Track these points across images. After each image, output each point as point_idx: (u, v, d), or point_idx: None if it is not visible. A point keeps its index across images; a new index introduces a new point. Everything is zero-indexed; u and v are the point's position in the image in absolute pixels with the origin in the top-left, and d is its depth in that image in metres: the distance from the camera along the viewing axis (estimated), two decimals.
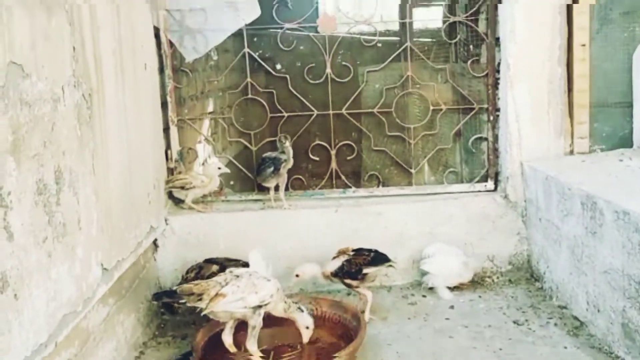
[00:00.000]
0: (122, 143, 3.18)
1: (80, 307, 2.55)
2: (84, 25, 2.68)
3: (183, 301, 2.87)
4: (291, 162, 3.96)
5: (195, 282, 2.96)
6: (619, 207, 2.86)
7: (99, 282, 2.78)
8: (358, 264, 3.49)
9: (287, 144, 3.94)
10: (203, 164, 4.36)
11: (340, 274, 3.49)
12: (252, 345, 2.98)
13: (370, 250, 3.59)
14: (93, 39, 2.78)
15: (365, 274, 3.50)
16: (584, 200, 3.19)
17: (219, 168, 3.98)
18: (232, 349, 3.04)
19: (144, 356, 3.33)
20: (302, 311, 3.09)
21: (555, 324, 3.40)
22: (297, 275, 3.57)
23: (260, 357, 2.99)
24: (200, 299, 2.86)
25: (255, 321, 2.95)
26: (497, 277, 4.04)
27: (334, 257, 3.59)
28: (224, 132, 4.35)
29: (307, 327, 3.10)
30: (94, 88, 2.77)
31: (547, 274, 3.77)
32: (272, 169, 3.89)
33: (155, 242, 3.86)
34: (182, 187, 3.96)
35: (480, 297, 3.83)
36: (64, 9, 2.50)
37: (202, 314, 2.89)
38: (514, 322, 3.47)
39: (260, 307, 2.94)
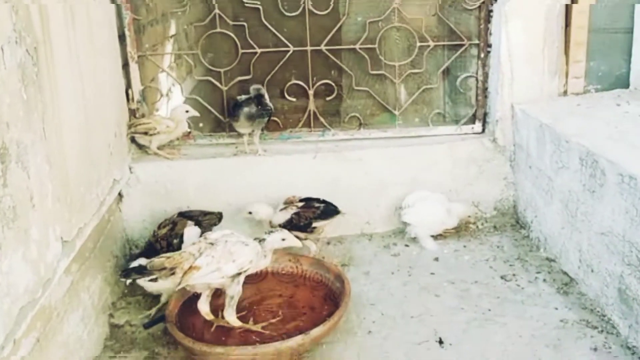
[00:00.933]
0: (77, 95, 2.80)
1: (39, 292, 2.28)
2: None
3: (154, 277, 2.64)
4: None
5: (167, 255, 2.69)
6: (625, 171, 2.66)
7: (60, 258, 2.50)
8: (307, 217, 3.37)
9: (266, 96, 3.61)
10: (167, 94, 4.00)
11: (288, 227, 3.32)
12: (230, 315, 2.81)
13: (319, 201, 3.44)
14: None
15: (315, 227, 3.36)
16: (583, 157, 2.98)
17: (187, 111, 3.62)
18: (210, 317, 2.85)
19: (112, 320, 3.12)
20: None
21: (544, 280, 3.28)
22: (249, 213, 3.44)
23: (241, 325, 2.82)
24: (173, 273, 2.65)
25: (234, 290, 2.77)
26: (482, 223, 3.90)
27: (282, 209, 3.43)
28: (188, 68, 3.94)
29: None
30: (39, 39, 2.36)
31: (534, 223, 3.62)
32: (267, 118, 3.64)
33: (119, 192, 3.55)
34: (146, 133, 3.59)
35: (465, 246, 3.69)
36: None
37: (176, 289, 2.68)
38: (502, 278, 3.34)
39: (239, 274, 2.74)
